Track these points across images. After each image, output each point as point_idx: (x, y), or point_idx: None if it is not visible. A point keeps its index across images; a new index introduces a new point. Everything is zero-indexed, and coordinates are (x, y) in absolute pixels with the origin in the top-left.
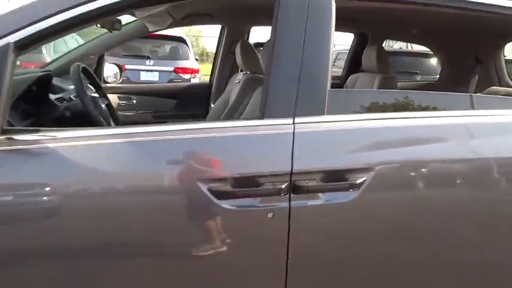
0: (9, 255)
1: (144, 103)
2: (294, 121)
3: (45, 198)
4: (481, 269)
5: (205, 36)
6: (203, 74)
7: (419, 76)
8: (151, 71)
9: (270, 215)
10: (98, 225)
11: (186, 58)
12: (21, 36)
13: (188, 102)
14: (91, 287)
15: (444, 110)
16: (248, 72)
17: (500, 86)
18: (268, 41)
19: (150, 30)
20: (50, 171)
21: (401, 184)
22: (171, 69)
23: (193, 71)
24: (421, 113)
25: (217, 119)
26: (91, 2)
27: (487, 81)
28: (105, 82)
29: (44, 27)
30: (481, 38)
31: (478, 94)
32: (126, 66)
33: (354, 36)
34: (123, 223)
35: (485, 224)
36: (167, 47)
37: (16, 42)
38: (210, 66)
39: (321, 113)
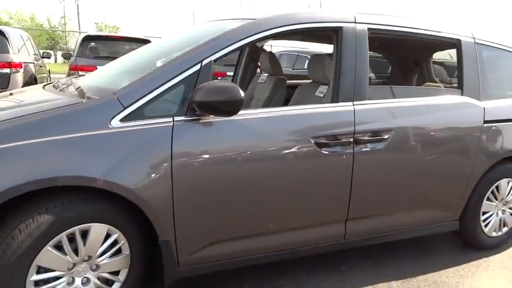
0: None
1: None
2: (353, 104)
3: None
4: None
5: None
6: None
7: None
8: None
9: (344, 156)
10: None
11: None
12: (215, 57)
13: None
14: (265, 211)
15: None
16: (269, 73)
17: (430, 81)
18: (320, 55)
19: None
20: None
21: (402, 138)
22: None
23: None
24: (398, 99)
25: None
26: (252, 36)
27: (422, 78)
28: None
29: (227, 51)
30: (418, 49)
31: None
32: (98, 67)
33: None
34: (276, 168)
35: (430, 160)
36: (137, 48)
37: (214, 60)
38: None
39: (365, 99)
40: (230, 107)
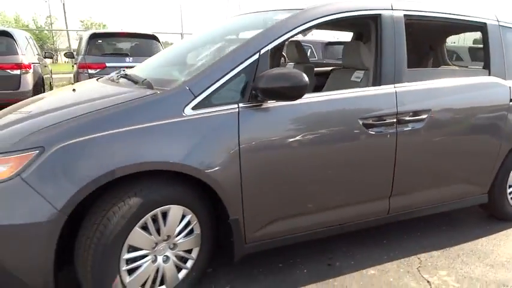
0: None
1: None
2: (394, 86)
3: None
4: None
5: None
6: None
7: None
8: (131, 67)
9: (388, 135)
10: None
11: None
12: (271, 46)
13: None
14: (320, 189)
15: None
16: (296, 62)
17: (444, 65)
18: (355, 43)
19: None
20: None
21: (439, 118)
22: None
23: None
24: (433, 81)
25: None
26: (302, 25)
27: (437, 61)
28: None
29: (281, 40)
30: (432, 34)
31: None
32: (107, 64)
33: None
34: (331, 148)
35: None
36: (143, 44)
37: (270, 49)
38: None
39: (404, 81)
40: (296, 92)
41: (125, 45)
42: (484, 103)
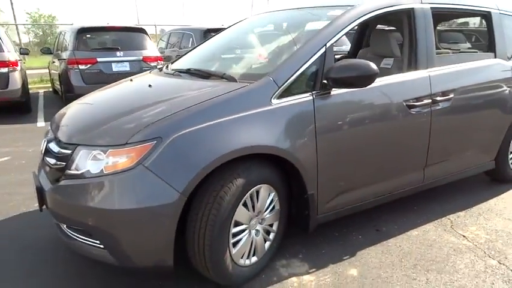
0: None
1: None
2: (428, 71)
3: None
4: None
5: None
6: None
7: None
8: (122, 61)
9: (425, 114)
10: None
11: (149, 47)
12: (334, 40)
13: None
14: (378, 162)
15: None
16: None
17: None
18: (384, 32)
19: None
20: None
21: (461, 96)
22: (140, 58)
23: (158, 59)
24: (455, 64)
25: None
26: (356, 20)
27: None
28: None
29: (340, 35)
30: (438, 22)
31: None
32: (98, 59)
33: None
34: (386, 127)
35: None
36: (131, 37)
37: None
38: None
39: (434, 66)
40: (365, 80)
41: (113, 39)
42: (493, 82)
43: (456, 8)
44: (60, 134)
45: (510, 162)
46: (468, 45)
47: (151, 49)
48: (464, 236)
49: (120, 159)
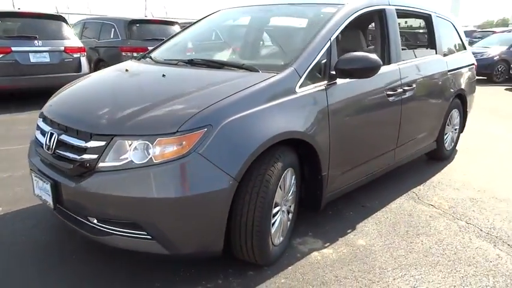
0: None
1: None
2: (398, 64)
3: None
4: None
5: None
6: None
7: None
8: (41, 51)
9: (397, 102)
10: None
11: (71, 37)
12: (336, 34)
13: None
14: (373, 142)
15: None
16: None
17: None
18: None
19: None
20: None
21: (419, 86)
22: (62, 48)
23: (81, 50)
24: (414, 59)
25: None
26: (350, 17)
27: None
28: None
29: (341, 29)
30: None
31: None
32: (13, 48)
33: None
34: (375, 113)
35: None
36: (50, 25)
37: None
38: None
39: (401, 60)
40: (370, 71)
41: (30, 27)
42: (438, 74)
43: (409, 10)
44: (84, 125)
45: (445, 143)
46: (416, 43)
47: (73, 39)
48: (431, 205)
49: (171, 148)
